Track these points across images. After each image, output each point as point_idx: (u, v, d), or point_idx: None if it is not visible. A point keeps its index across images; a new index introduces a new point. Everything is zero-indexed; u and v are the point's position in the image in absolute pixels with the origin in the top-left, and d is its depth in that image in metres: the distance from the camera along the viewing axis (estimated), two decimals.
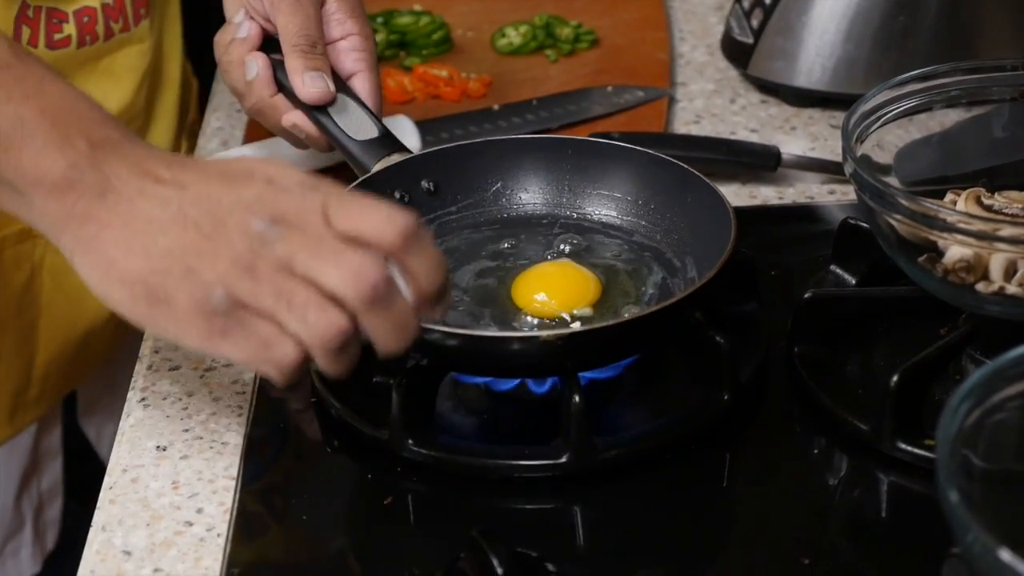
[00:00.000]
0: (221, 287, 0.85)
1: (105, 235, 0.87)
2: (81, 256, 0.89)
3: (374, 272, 0.84)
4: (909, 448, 0.97)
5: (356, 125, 1.14)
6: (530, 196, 1.16)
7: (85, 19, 1.24)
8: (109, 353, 1.42)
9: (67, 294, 1.31)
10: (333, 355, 0.86)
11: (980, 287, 0.98)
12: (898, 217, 0.98)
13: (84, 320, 1.34)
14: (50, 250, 1.30)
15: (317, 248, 0.85)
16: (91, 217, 0.88)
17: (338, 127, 1.14)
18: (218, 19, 1.57)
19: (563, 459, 0.98)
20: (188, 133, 1.45)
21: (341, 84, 1.17)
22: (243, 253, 0.85)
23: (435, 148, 1.17)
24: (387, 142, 1.14)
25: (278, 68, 1.17)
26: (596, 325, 0.97)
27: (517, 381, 1.04)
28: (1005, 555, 0.73)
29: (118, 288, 0.88)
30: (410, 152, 1.15)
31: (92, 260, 0.88)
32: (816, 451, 1.02)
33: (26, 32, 1.21)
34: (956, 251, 0.98)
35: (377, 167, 1.13)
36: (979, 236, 0.96)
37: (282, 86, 1.17)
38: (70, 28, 1.24)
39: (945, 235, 0.97)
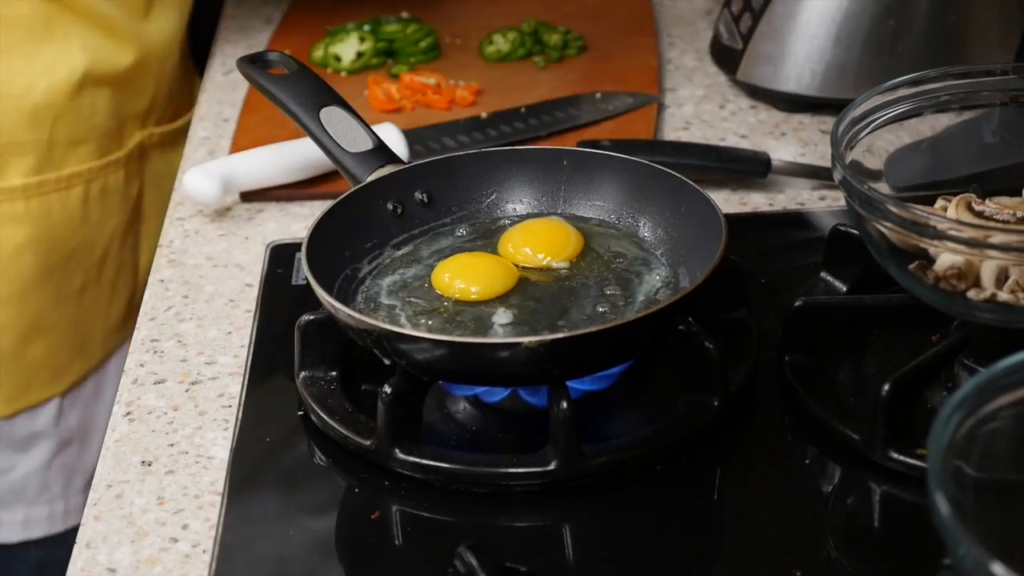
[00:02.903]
0: None
1: None
2: None
3: None
4: (901, 458, 0.96)
5: (349, 136, 1.14)
6: (524, 207, 1.15)
7: None
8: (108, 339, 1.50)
9: (162, 199, 1.40)
10: None
11: (971, 294, 0.97)
12: (888, 224, 0.97)
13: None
14: (150, 161, 1.46)
15: None
16: None
17: (331, 138, 1.13)
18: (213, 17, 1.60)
19: (551, 466, 0.97)
20: (181, 135, 1.49)
21: (334, 96, 1.16)
22: None
23: (429, 159, 1.17)
24: (381, 154, 1.14)
25: None
26: (580, 331, 0.96)
27: (507, 392, 1.03)
28: (998, 569, 0.72)
29: None
30: (404, 163, 1.14)
31: None
32: (807, 461, 1.01)
33: None
34: (947, 258, 0.97)
35: (371, 178, 1.12)
36: (970, 243, 0.95)
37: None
38: None
39: (936, 242, 0.96)
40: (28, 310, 1.41)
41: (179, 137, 1.48)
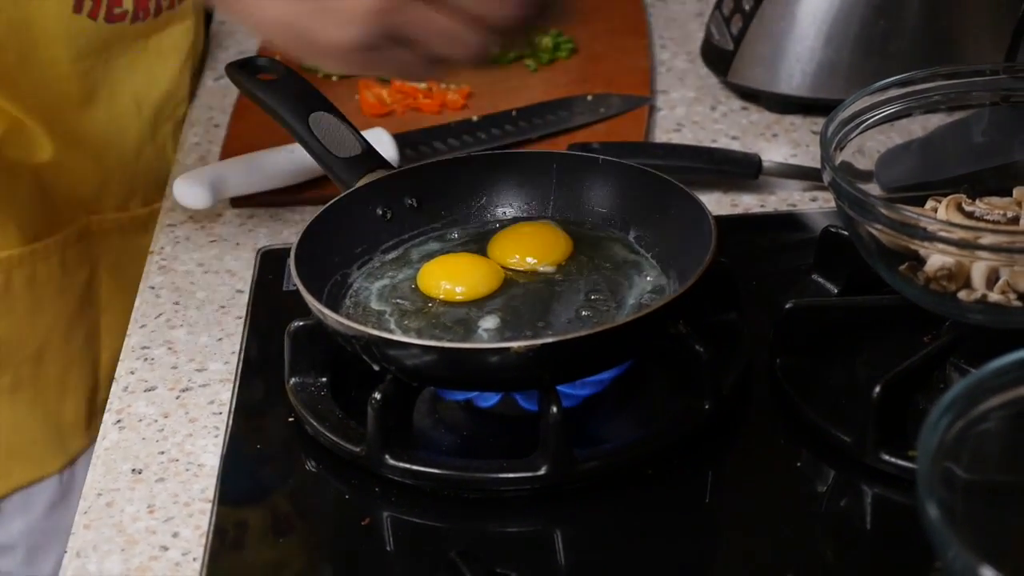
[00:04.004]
0: (361, 26, 0.90)
1: None
2: (226, 9, 0.96)
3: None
4: (893, 460, 0.96)
5: (338, 141, 1.14)
6: (514, 211, 1.15)
7: None
8: None
9: (126, 290, 1.30)
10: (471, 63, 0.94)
11: (962, 295, 0.97)
12: (877, 226, 0.97)
13: None
14: (105, 248, 1.33)
15: None
16: None
17: (320, 144, 1.13)
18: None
19: (542, 471, 0.97)
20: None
21: (323, 101, 1.16)
22: None
23: (418, 164, 1.17)
24: (370, 158, 1.13)
25: None
26: (570, 336, 0.96)
27: (498, 398, 1.03)
28: (987, 573, 0.72)
29: (265, 30, 0.94)
30: (393, 168, 1.14)
31: (236, 10, 0.95)
32: (799, 463, 1.01)
33: (87, 4, 1.24)
34: (937, 259, 0.97)
35: (360, 183, 1.12)
36: (960, 244, 0.95)
37: None
38: (128, 3, 1.26)
39: (925, 244, 0.96)
40: None
41: (153, 221, 1.34)
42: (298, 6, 0.91)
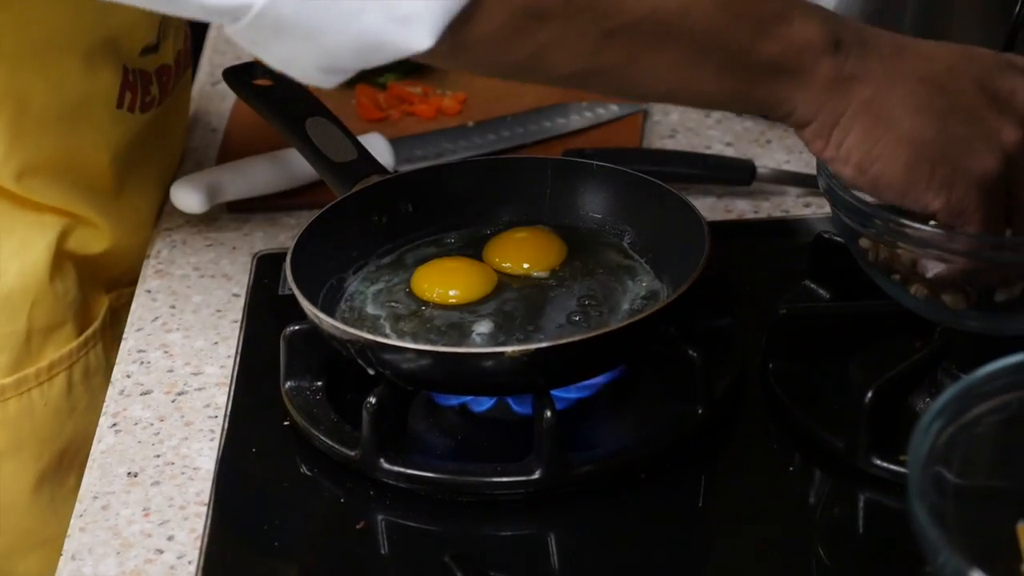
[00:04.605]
0: (996, 164, 0.87)
1: (884, 95, 0.87)
2: (855, 119, 0.88)
3: None
4: (884, 464, 0.97)
5: (334, 146, 1.14)
6: (509, 216, 1.16)
7: (164, 78, 1.24)
8: None
9: None
10: None
11: (948, 299, 0.97)
12: (872, 232, 0.97)
13: None
14: (122, 319, 1.24)
15: None
16: (863, 77, 0.88)
17: (316, 149, 1.13)
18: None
19: (536, 475, 0.97)
20: None
21: (319, 106, 1.16)
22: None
23: (414, 169, 1.17)
24: (366, 164, 1.14)
25: None
26: (563, 340, 0.97)
27: (492, 403, 1.04)
28: None
29: (898, 150, 0.88)
30: (388, 173, 1.15)
31: (869, 122, 0.88)
32: (791, 468, 1.01)
33: (128, 97, 1.21)
34: (936, 266, 0.96)
35: (356, 189, 1.12)
36: (954, 251, 0.95)
37: None
38: (155, 90, 1.24)
39: (920, 250, 0.96)
40: (16, 526, 1.19)
41: None
42: (943, 126, 0.87)
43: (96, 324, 1.23)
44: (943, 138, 0.88)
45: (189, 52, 1.32)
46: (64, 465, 1.20)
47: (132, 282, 1.27)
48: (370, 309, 1.07)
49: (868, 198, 1.05)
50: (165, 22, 1.23)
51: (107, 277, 1.27)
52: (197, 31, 1.61)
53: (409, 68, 1.48)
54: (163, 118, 1.27)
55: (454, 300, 1.07)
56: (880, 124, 0.88)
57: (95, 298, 1.25)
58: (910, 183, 0.89)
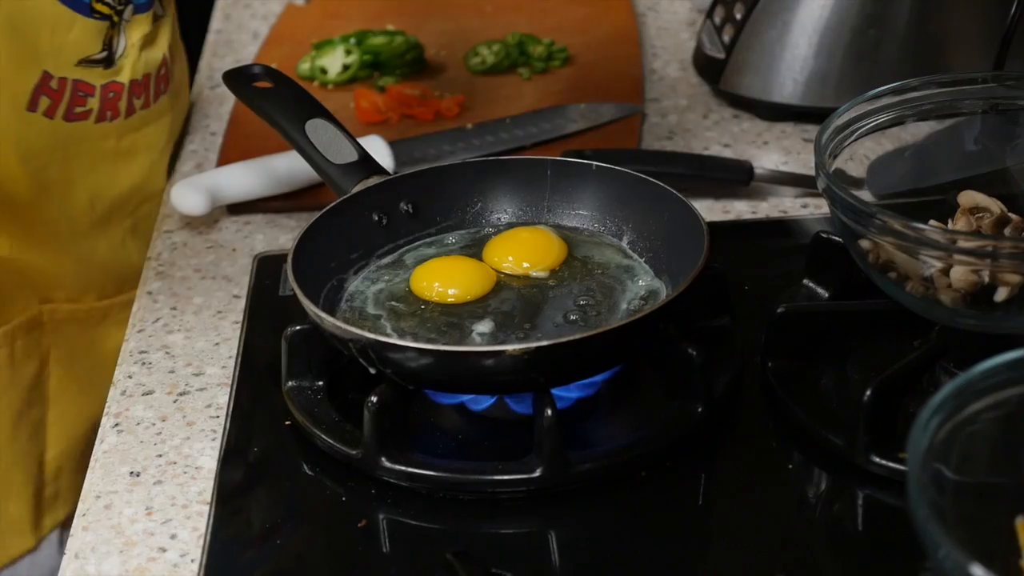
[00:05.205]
0: None
1: None
2: None
3: None
4: (883, 462, 0.97)
5: (335, 148, 1.15)
6: (509, 216, 1.16)
7: (111, 95, 1.24)
8: None
9: (76, 384, 1.29)
10: None
11: (944, 298, 0.98)
12: (872, 232, 0.98)
13: (91, 413, 1.28)
14: (56, 339, 1.28)
15: None
16: None
17: (317, 151, 1.14)
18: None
19: (536, 473, 0.98)
20: (118, 312, 1.36)
21: (318, 108, 1.17)
22: None
23: (413, 170, 1.17)
24: (366, 165, 1.14)
25: None
26: (564, 339, 0.97)
27: (492, 401, 1.04)
28: (977, 570, 0.73)
29: None
30: (388, 174, 1.15)
31: None
32: (791, 466, 1.02)
33: (44, 103, 1.21)
34: (960, 269, 0.97)
35: (356, 190, 1.13)
36: (951, 251, 0.96)
37: None
38: (94, 102, 1.24)
39: (921, 250, 0.96)
40: None
41: (113, 314, 1.32)
42: None
43: (2, 329, 1.24)
44: None
45: (166, 79, 1.31)
46: None
47: (70, 301, 1.28)
48: (371, 309, 1.08)
49: (868, 197, 1.06)
50: (117, 40, 1.23)
51: (21, 287, 1.26)
52: (196, 34, 1.62)
53: (409, 71, 1.49)
54: (117, 140, 1.27)
55: (453, 299, 1.07)
56: None
57: (9, 303, 1.25)
58: None
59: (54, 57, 1.20)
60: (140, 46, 1.26)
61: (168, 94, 1.32)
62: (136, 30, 1.26)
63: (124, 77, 1.25)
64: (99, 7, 1.21)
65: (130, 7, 1.24)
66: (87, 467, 1.27)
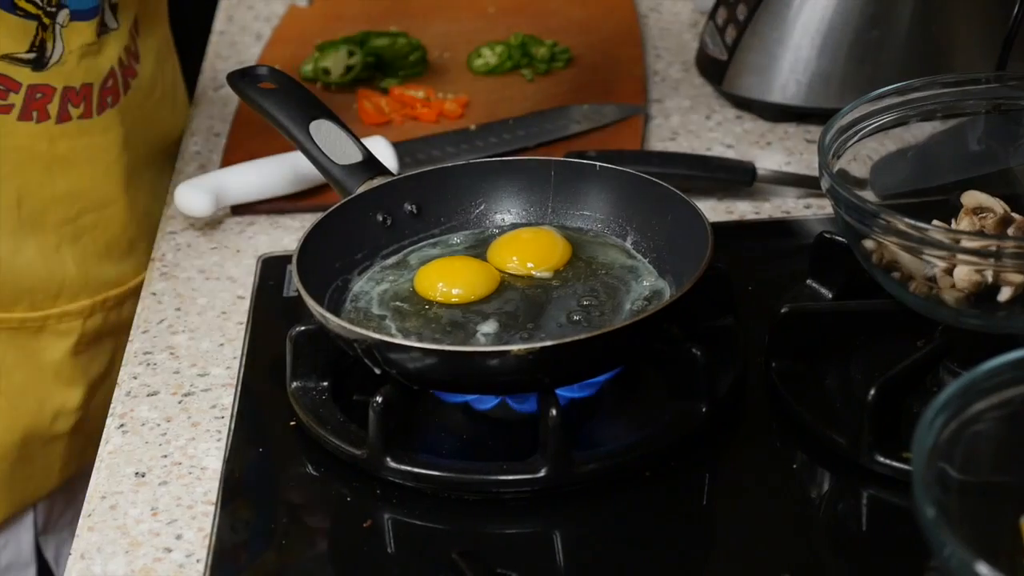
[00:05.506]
0: None
1: None
2: None
3: None
4: (887, 461, 0.97)
5: (339, 149, 1.15)
6: (513, 217, 1.16)
7: (38, 95, 1.22)
8: (66, 469, 1.34)
9: (6, 396, 1.28)
10: None
11: (947, 298, 0.98)
12: (876, 232, 0.98)
13: (24, 425, 1.29)
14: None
15: None
16: None
17: (321, 151, 1.14)
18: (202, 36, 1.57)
19: (541, 473, 0.98)
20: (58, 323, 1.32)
21: (323, 109, 1.17)
22: None
23: (418, 171, 1.18)
24: (370, 166, 1.14)
25: None
26: (568, 339, 0.97)
27: (496, 401, 1.04)
28: (983, 569, 0.73)
29: None
30: (392, 175, 1.15)
31: None
32: (795, 465, 1.02)
33: None
34: (963, 271, 0.97)
35: (360, 190, 1.13)
36: (957, 250, 0.96)
37: None
38: (16, 98, 1.22)
39: (924, 249, 0.97)
40: None
41: (50, 326, 1.29)
42: None
43: None
44: None
45: (115, 93, 1.27)
46: None
47: (2, 307, 1.26)
48: (375, 309, 1.08)
49: (871, 198, 1.06)
50: (52, 43, 1.21)
51: None
52: (199, 36, 1.62)
53: (411, 72, 1.49)
54: (50, 143, 1.24)
55: (457, 299, 1.07)
56: None
57: None
58: None
59: None
60: (80, 54, 1.23)
61: (118, 108, 1.28)
62: (75, 37, 1.23)
63: (57, 82, 1.23)
64: (24, 5, 1.19)
65: (65, 11, 1.21)
66: (18, 480, 1.30)
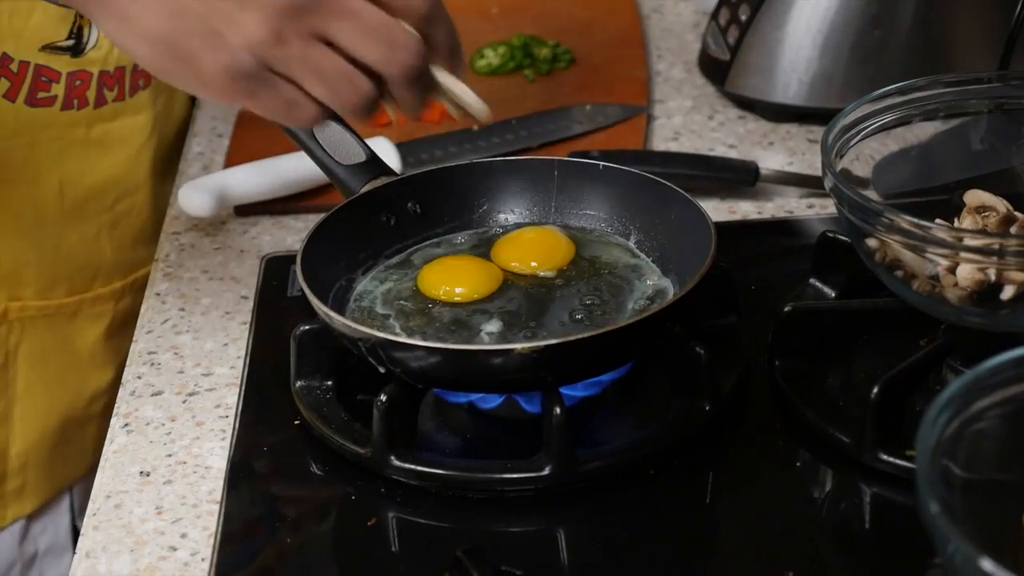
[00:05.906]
0: (248, 52, 0.88)
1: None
2: (102, 13, 0.91)
3: (415, 50, 0.91)
4: (891, 459, 0.98)
5: (343, 149, 1.15)
6: (516, 216, 1.17)
7: (77, 82, 1.24)
8: (99, 451, 1.29)
9: (44, 382, 1.29)
10: (356, 116, 0.94)
11: (950, 296, 0.98)
12: (879, 231, 0.98)
13: (62, 409, 1.30)
14: (26, 336, 1.28)
15: (355, 22, 0.89)
16: None
17: (324, 151, 1.14)
18: None
19: (545, 471, 0.98)
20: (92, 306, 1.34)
21: (326, 110, 1.17)
22: (273, 20, 0.88)
23: (421, 171, 1.18)
24: (374, 166, 1.14)
25: None
26: (572, 337, 0.98)
27: (500, 400, 1.04)
28: (987, 564, 0.73)
29: (140, 45, 0.90)
30: (397, 175, 1.15)
31: (113, 17, 0.91)
32: (798, 463, 1.02)
33: (4, 85, 1.20)
34: (965, 269, 0.97)
35: (364, 190, 1.13)
36: (962, 248, 0.96)
37: None
38: (58, 88, 1.23)
39: (928, 248, 0.97)
40: None
41: (84, 310, 1.30)
42: (180, 23, 0.88)
43: None
44: (179, 34, 0.90)
45: (147, 75, 1.29)
46: None
47: (39, 297, 1.27)
48: (379, 308, 1.08)
49: (874, 197, 1.06)
50: (88, 30, 1.22)
51: None
52: None
53: None
54: (87, 128, 1.26)
55: (460, 298, 1.07)
56: (122, 18, 0.91)
57: None
58: (166, 74, 0.92)
59: (14, 40, 1.19)
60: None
61: (150, 90, 1.31)
62: None
63: (93, 67, 1.24)
64: None
65: None
66: (57, 463, 1.31)
